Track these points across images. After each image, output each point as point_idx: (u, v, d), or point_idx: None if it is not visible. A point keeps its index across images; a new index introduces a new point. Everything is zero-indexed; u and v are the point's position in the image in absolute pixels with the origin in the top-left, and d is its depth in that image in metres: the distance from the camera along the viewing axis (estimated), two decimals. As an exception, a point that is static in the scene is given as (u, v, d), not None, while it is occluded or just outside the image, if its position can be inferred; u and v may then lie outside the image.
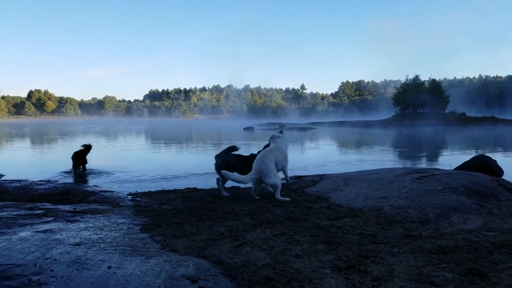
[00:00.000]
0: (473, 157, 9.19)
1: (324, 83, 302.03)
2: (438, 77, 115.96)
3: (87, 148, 10.95)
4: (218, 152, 6.64)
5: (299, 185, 7.06)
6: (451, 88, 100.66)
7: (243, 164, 6.41)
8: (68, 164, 10.59)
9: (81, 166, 10.76)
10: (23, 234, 3.48)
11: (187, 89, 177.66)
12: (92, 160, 11.43)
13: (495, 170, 8.40)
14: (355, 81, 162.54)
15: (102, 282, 2.48)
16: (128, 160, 12.92)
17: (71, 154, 10.50)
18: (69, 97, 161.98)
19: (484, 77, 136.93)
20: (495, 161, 8.83)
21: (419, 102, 67.52)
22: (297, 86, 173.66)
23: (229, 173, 5.78)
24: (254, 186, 5.89)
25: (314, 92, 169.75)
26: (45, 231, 3.63)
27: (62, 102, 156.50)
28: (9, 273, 2.52)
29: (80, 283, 2.45)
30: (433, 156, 16.52)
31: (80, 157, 10.65)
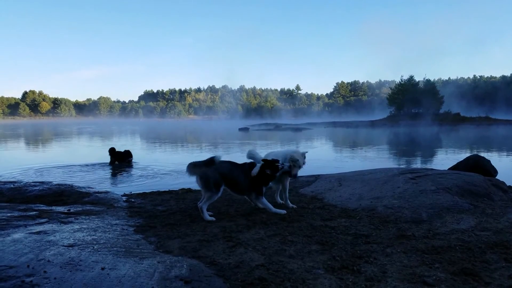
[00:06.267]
0: (467, 157, 9.24)
1: (319, 83, 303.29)
2: (432, 77, 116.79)
3: (127, 153, 13.21)
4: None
5: (293, 186, 7.06)
6: (446, 88, 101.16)
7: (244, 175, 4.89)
8: (63, 161, 10.57)
9: (117, 161, 12.83)
10: (16, 235, 3.46)
11: (182, 89, 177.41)
12: (90, 158, 11.53)
13: (489, 170, 8.45)
14: (350, 81, 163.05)
15: (96, 284, 2.48)
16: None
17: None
18: (64, 98, 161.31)
19: (478, 77, 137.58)
20: (489, 161, 8.89)
21: (413, 102, 67.78)
22: (292, 87, 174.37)
23: None
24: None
25: (309, 92, 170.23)
26: (38, 233, 3.61)
27: (57, 103, 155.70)
28: (2, 275, 2.50)
29: (73, 284, 2.44)
30: (428, 156, 16.60)
31: (117, 156, 12.91)
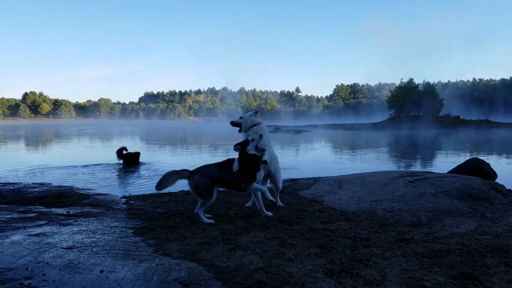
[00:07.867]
0: (466, 160, 9.22)
1: (319, 86, 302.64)
2: (432, 80, 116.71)
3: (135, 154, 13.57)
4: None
5: (293, 188, 7.07)
6: (445, 90, 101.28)
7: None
8: (63, 162, 10.57)
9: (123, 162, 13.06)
10: (15, 237, 3.45)
11: (182, 91, 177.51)
12: (90, 159, 11.50)
13: (489, 173, 8.44)
14: (350, 84, 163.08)
15: (94, 287, 2.47)
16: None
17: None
18: (64, 99, 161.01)
19: (477, 80, 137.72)
20: (489, 164, 8.87)
21: (413, 105, 67.80)
22: (292, 89, 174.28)
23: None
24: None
25: (309, 94, 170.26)
26: (37, 235, 3.60)
27: (57, 105, 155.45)
28: (0, 277, 2.50)
29: (72, 287, 2.44)
30: (427, 159, 16.60)
31: (126, 157, 13.15)
